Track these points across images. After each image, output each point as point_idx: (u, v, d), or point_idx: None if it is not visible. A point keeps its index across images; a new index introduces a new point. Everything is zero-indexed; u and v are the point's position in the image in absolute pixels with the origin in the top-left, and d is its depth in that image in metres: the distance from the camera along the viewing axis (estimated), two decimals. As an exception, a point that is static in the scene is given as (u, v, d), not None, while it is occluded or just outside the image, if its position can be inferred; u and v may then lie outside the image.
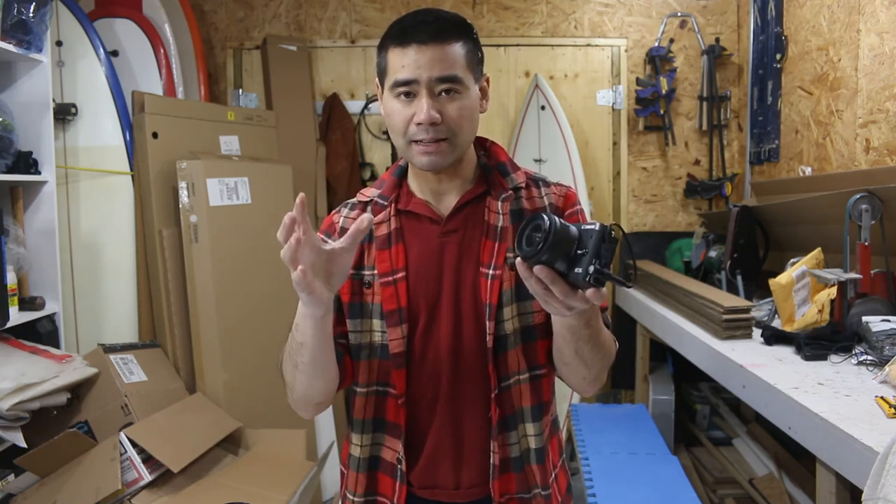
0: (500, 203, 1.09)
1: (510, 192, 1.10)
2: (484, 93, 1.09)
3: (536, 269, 0.84)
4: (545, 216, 0.84)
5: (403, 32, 1.02)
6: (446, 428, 1.08)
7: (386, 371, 1.08)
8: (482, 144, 1.16)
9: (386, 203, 1.11)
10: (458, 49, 1.03)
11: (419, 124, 1.01)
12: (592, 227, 0.84)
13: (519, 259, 0.86)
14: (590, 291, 0.83)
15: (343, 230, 1.11)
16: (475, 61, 1.06)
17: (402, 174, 1.15)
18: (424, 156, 1.03)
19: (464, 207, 1.09)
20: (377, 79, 1.10)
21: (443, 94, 1.02)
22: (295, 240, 0.83)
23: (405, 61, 1.01)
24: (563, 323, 0.95)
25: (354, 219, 1.12)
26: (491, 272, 1.05)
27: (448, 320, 1.07)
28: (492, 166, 1.13)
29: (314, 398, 1.06)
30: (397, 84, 1.02)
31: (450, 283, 1.07)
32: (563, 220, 0.85)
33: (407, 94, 1.02)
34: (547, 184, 1.14)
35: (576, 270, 0.84)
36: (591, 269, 0.82)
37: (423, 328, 1.07)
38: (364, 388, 1.10)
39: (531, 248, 0.84)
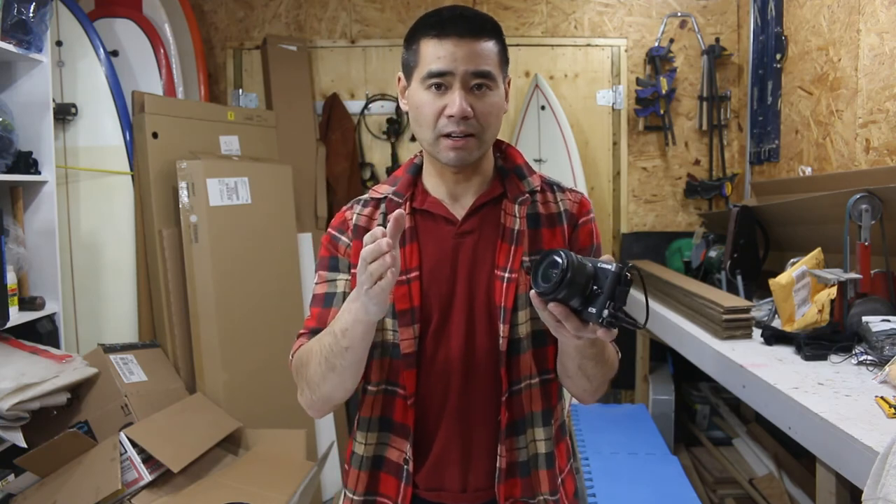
0: (517, 206, 1.08)
1: (527, 195, 1.10)
2: (506, 94, 1.09)
3: (551, 305, 0.86)
4: (563, 253, 0.85)
5: (442, 25, 1.01)
6: (455, 430, 1.08)
7: (396, 370, 1.07)
8: (498, 146, 1.15)
9: (401, 201, 1.10)
10: (492, 47, 1.03)
11: (450, 117, 1.01)
12: (608, 266, 0.85)
13: (533, 292, 0.87)
14: (601, 331, 0.85)
15: (356, 227, 1.11)
16: (504, 62, 1.07)
17: (417, 172, 1.14)
18: (452, 151, 1.02)
19: (480, 209, 1.09)
20: (401, 72, 1.09)
21: (475, 89, 1.02)
22: (391, 258, 0.86)
23: (441, 53, 1.00)
24: (569, 342, 0.96)
25: (367, 216, 1.12)
26: (507, 275, 1.05)
27: (461, 322, 1.06)
28: (509, 169, 1.13)
29: (337, 398, 1.04)
30: (431, 75, 1.01)
31: (463, 285, 1.07)
32: (579, 257, 0.86)
33: (438, 86, 1.01)
34: (562, 189, 1.14)
35: (590, 310, 0.85)
36: (606, 312, 0.84)
37: (435, 329, 1.06)
38: (374, 386, 1.10)
39: (548, 285, 0.85)
